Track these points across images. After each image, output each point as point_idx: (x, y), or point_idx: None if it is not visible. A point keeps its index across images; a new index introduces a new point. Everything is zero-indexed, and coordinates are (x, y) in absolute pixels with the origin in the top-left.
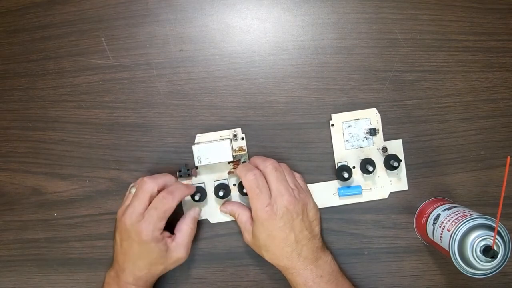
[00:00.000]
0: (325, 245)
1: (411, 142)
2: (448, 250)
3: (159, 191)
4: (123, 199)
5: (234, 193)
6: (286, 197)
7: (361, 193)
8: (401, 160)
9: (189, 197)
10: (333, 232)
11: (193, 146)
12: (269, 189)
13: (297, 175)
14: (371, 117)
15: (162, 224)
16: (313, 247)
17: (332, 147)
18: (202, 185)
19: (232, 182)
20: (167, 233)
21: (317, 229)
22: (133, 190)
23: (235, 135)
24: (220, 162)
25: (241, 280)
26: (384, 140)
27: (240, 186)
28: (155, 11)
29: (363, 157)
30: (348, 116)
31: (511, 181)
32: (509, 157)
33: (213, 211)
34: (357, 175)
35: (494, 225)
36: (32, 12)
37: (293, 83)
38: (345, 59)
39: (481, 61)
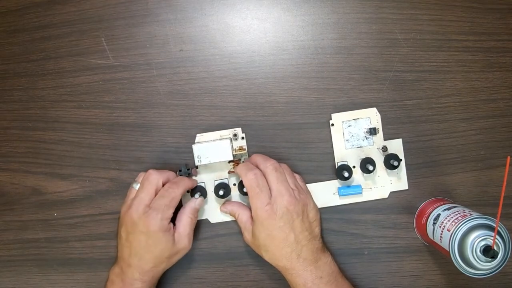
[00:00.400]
0: (325, 246)
1: (411, 142)
2: (448, 250)
3: (163, 185)
4: (124, 198)
5: (234, 193)
6: (286, 197)
7: (361, 193)
8: (401, 160)
9: (189, 196)
10: (333, 232)
11: (193, 145)
12: (270, 189)
13: (297, 176)
14: (371, 116)
15: (170, 213)
16: (313, 248)
17: (332, 147)
18: (203, 184)
19: (232, 181)
20: (171, 224)
21: (317, 230)
22: (135, 186)
23: (235, 135)
24: (220, 162)
25: (241, 280)
26: (384, 139)
27: (240, 186)
28: (155, 11)
29: (363, 157)
30: (348, 115)
31: (511, 181)
32: (509, 157)
33: (213, 211)
34: (357, 175)
35: (494, 225)
36: (32, 12)
37: (293, 83)
38: (345, 59)
39: (481, 61)
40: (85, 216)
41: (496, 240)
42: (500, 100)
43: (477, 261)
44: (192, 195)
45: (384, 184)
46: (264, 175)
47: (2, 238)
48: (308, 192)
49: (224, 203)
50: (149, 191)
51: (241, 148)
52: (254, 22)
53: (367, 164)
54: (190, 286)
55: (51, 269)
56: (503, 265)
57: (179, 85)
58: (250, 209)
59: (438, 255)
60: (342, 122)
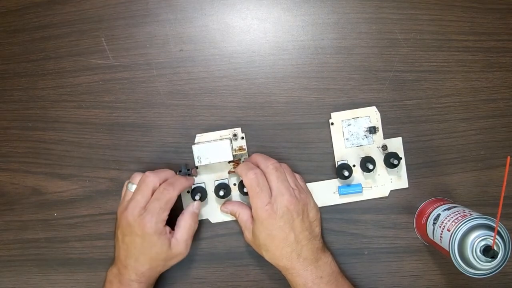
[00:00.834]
0: (326, 246)
1: (411, 142)
2: (448, 250)
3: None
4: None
5: (235, 193)
6: (286, 197)
7: (361, 192)
8: (401, 158)
9: (189, 197)
10: (333, 232)
11: (193, 146)
12: (270, 189)
13: (297, 175)
14: (371, 115)
15: (165, 215)
16: (313, 248)
17: (332, 146)
18: (203, 185)
19: (232, 181)
20: (168, 228)
21: (317, 230)
22: (130, 187)
23: (235, 135)
24: (220, 162)
25: (241, 280)
26: (384, 138)
27: (241, 186)
28: (155, 11)
29: (363, 156)
30: (347, 114)
31: (511, 181)
32: (509, 157)
33: (213, 211)
34: (357, 174)
35: (494, 225)
36: (32, 12)
37: (293, 83)
38: (345, 59)
39: (481, 61)
40: (85, 216)
41: (496, 240)
42: (500, 100)
43: (477, 261)
44: (193, 196)
45: (384, 183)
46: (265, 175)
47: (2, 238)
48: (309, 192)
49: (224, 203)
50: (145, 193)
51: (241, 148)
52: (254, 22)
53: (367, 163)
54: (190, 286)
55: (51, 269)
56: (503, 265)
57: (179, 85)
58: (250, 208)
59: (438, 255)
60: (342, 121)
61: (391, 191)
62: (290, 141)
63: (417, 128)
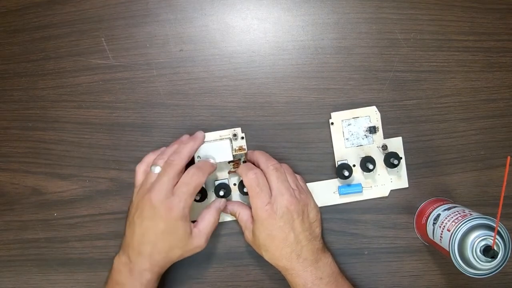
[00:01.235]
0: (326, 247)
1: (411, 142)
2: (448, 250)
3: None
4: (124, 196)
5: (235, 193)
6: (286, 197)
7: (361, 191)
8: (401, 158)
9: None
10: (333, 232)
11: None
12: (270, 189)
13: (298, 176)
14: (371, 115)
15: (192, 201)
16: (313, 248)
17: (332, 146)
18: (203, 185)
19: (232, 181)
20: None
21: (317, 230)
22: (154, 169)
23: (235, 135)
24: (220, 162)
25: (241, 280)
26: (384, 138)
27: (241, 186)
28: (155, 11)
29: (363, 155)
30: (347, 114)
31: (511, 181)
32: (509, 157)
33: None
34: (357, 173)
35: (494, 225)
36: (32, 12)
37: (293, 83)
38: (345, 59)
39: (481, 61)
40: (85, 216)
41: (496, 240)
42: (500, 100)
43: (477, 261)
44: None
45: (384, 183)
46: (265, 175)
47: (2, 238)
48: (309, 192)
49: None
50: (172, 176)
51: (241, 148)
52: (254, 22)
53: (367, 163)
54: (190, 286)
55: (51, 269)
56: (503, 265)
57: (179, 85)
58: (250, 208)
59: (438, 255)
60: (342, 120)
61: (391, 191)
62: (290, 141)
63: (417, 128)
